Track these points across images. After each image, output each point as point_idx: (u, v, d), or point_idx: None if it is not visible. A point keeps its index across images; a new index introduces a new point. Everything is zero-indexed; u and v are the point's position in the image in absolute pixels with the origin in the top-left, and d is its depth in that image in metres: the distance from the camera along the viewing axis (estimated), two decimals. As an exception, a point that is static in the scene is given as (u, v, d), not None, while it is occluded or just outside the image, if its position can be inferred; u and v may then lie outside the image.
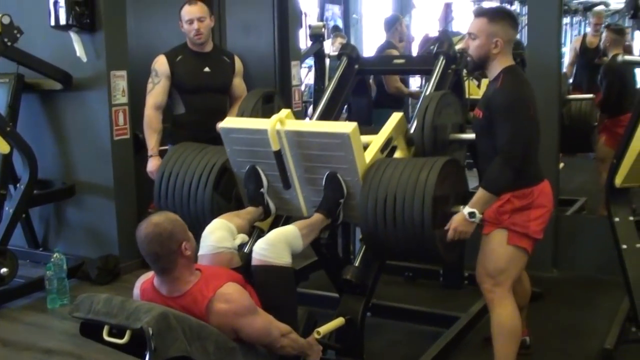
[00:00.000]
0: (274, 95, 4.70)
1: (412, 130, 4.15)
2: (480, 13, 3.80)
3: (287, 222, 4.09)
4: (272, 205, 3.98)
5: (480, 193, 3.60)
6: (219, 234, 3.55)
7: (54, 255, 5.34)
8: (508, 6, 12.68)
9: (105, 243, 6.16)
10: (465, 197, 3.73)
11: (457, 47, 5.00)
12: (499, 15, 3.75)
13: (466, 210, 3.57)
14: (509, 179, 3.56)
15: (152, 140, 5.10)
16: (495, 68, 3.71)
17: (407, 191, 3.49)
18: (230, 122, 4.03)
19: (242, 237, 3.63)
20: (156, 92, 5.05)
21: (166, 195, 4.15)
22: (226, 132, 3.93)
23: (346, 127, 3.61)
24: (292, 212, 4.05)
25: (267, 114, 4.28)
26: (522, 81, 3.72)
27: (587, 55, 8.83)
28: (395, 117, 4.08)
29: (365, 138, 3.78)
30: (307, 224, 3.67)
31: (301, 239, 3.55)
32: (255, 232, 3.95)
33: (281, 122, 3.69)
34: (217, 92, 5.16)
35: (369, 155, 3.81)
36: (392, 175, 3.59)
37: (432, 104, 4.06)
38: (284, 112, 3.85)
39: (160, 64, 5.07)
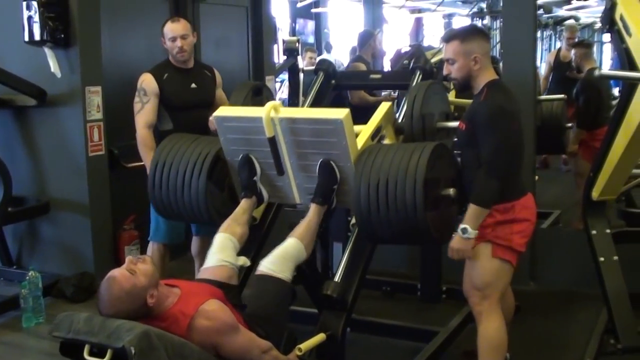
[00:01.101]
0: (262, 87, 4.78)
1: (400, 120, 4.24)
2: (450, 37, 3.86)
3: (279, 209, 4.24)
4: (265, 193, 4.01)
5: (470, 208, 3.64)
6: (226, 253, 3.64)
7: (30, 273, 5.27)
8: (479, 21, 12.81)
9: (81, 260, 6.10)
10: (454, 181, 3.76)
11: (433, 60, 5.03)
12: (469, 33, 3.84)
13: (459, 227, 3.62)
14: (495, 190, 3.60)
15: (149, 159, 5.05)
16: (480, 83, 3.76)
17: (399, 174, 3.52)
18: (224, 111, 4.06)
19: (243, 260, 3.72)
20: (146, 111, 5.01)
21: (160, 184, 4.16)
22: (220, 121, 3.97)
23: (339, 113, 3.66)
24: (285, 199, 4.09)
25: (256, 106, 4.32)
26: (506, 94, 3.76)
27: (561, 69, 8.96)
28: (384, 106, 4.15)
29: (355, 127, 3.81)
30: (306, 230, 3.72)
31: (304, 250, 3.67)
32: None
33: (275, 109, 3.74)
34: (204, 107, 5.14)
35: (360, 142, 3.86)
36: (384, 159, 3.62)
37: (420, 92, 4.14)
38: (275, 101, 3.90)
39: (148, 82, 5.02)
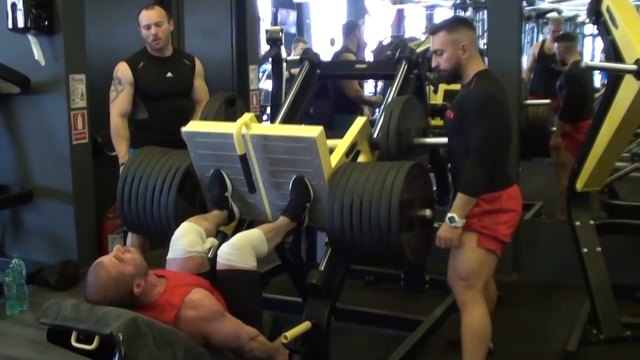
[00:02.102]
0: (236, 99, 4.67)
1: (375, 135, 4.17)
2: (437, 28, 3.87)
3: (251, 226, 4.06)
4: (236, 210, 3.94)
5: (458, 197, 3.65)
6: (190, 237, 3.52)
7: (13, 261, 5.25)
8: (462, 13, 12.83)
9: (64, 248, 6.09)
10: (430, 201, 3.76)
11: (417, 51, 5.04)
12: (455, 23, 3.87)
13: (447, 216, 3.64)
14: (482, 179, 3.61)
15: (122, 148, 5.03)
16: (469, 73, 3.77)
17: (374, 195, 3.49)
18: (194, 126, 3.98)
19: (211, 241, 3.62)
20: (121, 100, 5.00)
21: (129, 199, 4.07)
22: (190, 136, 3.90)
23: (312, 131, 3.59)
24: (257, 216, 4.02)
25: (230, 117, 4.28)
26: (495, 84, 3.77)
27: (545, 61, 9.00)
28: (360, 121, 4.07)
29: (329, 142, 3.76)
30: (272, 228, 3.65)
31: (266, 243, 3.54)
32: (219, 236, 3.91)
33: (247, 125, 3.66)
34: (180, 96, 5.13)
35: (335, 159, 3.80)
36: (358, 179, 3.58)
37: (397, 108, 4.08)
38: (248, 115, 3.80)
39: (123, 71, 5.01)
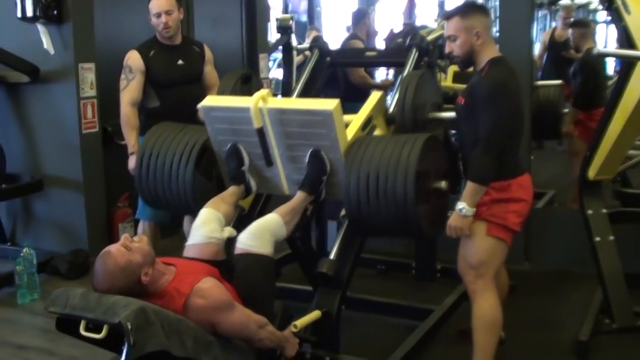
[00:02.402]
0: (251, 76, 4.70)
1: (390, 110, 4.18)
2: (451, 14, 3.83)
3: (268, 200, 4.16)
4: (253, 184, 3.97)
5: (468, 185, 3.62)
6: (211, 226, 3.57)
7: (24, 250, 5.26)
8: (476, -1, 12.73)
9: (75, 237, 6.10)
10: (445, 173, 3.76)
11: (429, 38, 5.00)
12: (469, 9, 3.81)
13: (457, 205, 3.61)
14: (491, 167, 3.58)
15: (131, 138, 5.01)
16: (483, 59, 3.73)
17: (390, 167, 3.50)
18: (211, 101, 4.01)
19: (229, 231, 3.63)
20: (131, 89, 4.98)
21: (147, 175, 4.11)
22: (207, 111, 3.91)
23: (329, 104, 3.61)
24: (274, 190, 4.05)
25: (245, 94, 4.27)
26: (508, 71, 3.72)
27: (555, 48, 8.91)
28: (375, 96, 4.10)
29: (345, 117, 3.77)
30: (290, 209, 3.67)
31: (284, 227, 3.58)
32: (236, 211, 3.94)
33: (263, 99, 3.69)
34: (191, 83, 5.11)
35: (350, 133, 3.82)
36: (375, 151, 3.59)
37: (412, 82, 4.08)
38: (264, 90, 3.81)
39: (134, 59, 4.99)
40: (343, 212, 3.80)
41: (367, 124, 3.99)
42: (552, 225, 5.86)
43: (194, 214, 3.89)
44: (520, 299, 4.87)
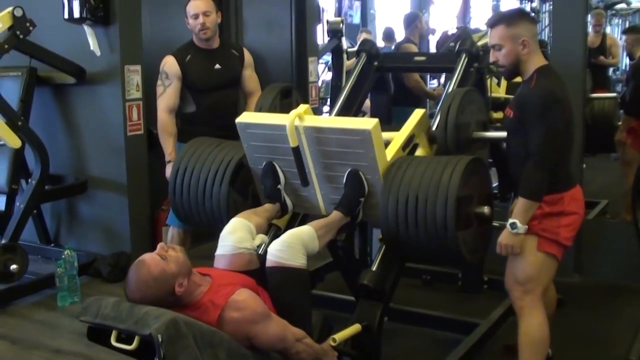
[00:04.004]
0: (291, 90, 4.60)
1: (434, 128, 4.05)
2: (495, 21, 3.68)
3: (304, 220, 4.01)
4: (289, 203, 3.87)
5: (520, 201, 3.51)
6: (240, 234, 3.46)
7: (65, 252, 5.25)
8: (528, 4, 12.58)
9: (118, 240, 6.08)
10: (489, 197, 3.63)
11: (479, 43, 4.89)
12: (515, 16, 3.68)
13: (509, 222, 3.50)
14: (544, 182, 3.46)
15: (169, 145, 4.97)
16: (529, 69, 3.60)
17: (430, 191, 3.38)
18: (248, 117, 3.92)
19: (261, 238, 3.55)
20: (168, 95, 4.94)
21: (181, 191, 4.04)
22: (244, 127, 3.83)
23: (367, 123, 3.51)
24: (310, 209, 3.95)
25: (285, 109, 4.19)
26: (557, 81, 3.59)
27: (589, 55, 8.76)
28: (418, 113, 3.96)
29: (386, 135, 3.68)
30: (324, 224, 3.56)
31: (317, 240, 3.44)
32: (271, 230, 3.84)
33: (300, 117, 3.60)
34: (228, 88, 5.07)
35: (390, 153, 3.71)
36: (414, 174, 3.47)
37: (456, 100, 3.93)
38: (303, 107, 3.72)
39: (170, 65, 4.94)
40: (380, 236, 3.69)
41: (409, 142, 3.86)
42: (604, 237, 5.72)
43: None
44: (569, 314, 4.74)
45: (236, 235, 3.47)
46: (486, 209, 3.52)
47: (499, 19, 3.68)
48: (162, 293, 2.95)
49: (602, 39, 9.07)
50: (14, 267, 5.41)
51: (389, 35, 11.44)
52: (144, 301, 2.91)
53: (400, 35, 9.19)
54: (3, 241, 5.53)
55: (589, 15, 8.74)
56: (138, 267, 2.99)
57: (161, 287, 2.95)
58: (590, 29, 9.26)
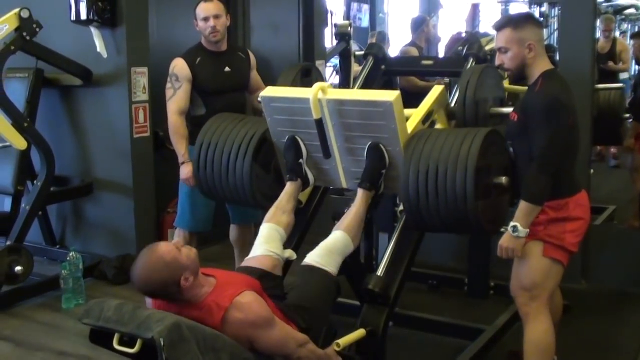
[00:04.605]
0: (312, 68, 4.70)
1: (453, 104, 4.11)
2: (502, 25, 3.67)
3: (325, 193, 4.17)
4: (311, 176, 3.96)
5: (521, 205, 3.50)
6: (274, 244, 3.63)
7: (70, 254, 5.25)
8: (537, 8, 12.56)
9: (123, 242, 6.07)
10: (507, 168, 3.63)
11: (487, 48, 4.88)
12: (522, 20, 3.67)
13: (510, 225, 3.50)
14: (546, 186, 3.45)
15: (181, 147, 4.94)
16: (535, 73, 3.59)
17: (450, 162, 3.41)
18: (272, 91, 3.99)
19: (290, 253, 3.70)
20: (179, 98, 4.92)
21: (205, 166, 4.12)
22: (268, 101, 3.90)
23: (389, 95, 3.56)
24: (331, 183, 4.03)
25: (306, 87, 4.22)
26: (563, 86, 3.57)
27: (598, 60, 8.74)
28: (437, 90, 4.04)
29: (405, 111, 3.71)
30: (354, 221, 3.66)
31: (352, 242, 3.62)
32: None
33: (323, 90, 3.65)
34: (237, 90, 5.07)
35: (411, 126, 3.77)
36: (435, 145, 3.51)
37: (474, 77, 4.01)
38: (325, 83, 3.80)
39: (181, 68, 4.92)
40: (401, 208, 3.73)
41: (428, 117, 3.92)
42: (611, 243, 5.68)
43: (251, 206, 4.00)
44: (575, 320, 4.69)
45: (270, 246, 3.61)
46: (504, 179, 3.54)
47: (506, 22, 3.66)
48: (168, 280, 2.94)
49: (612, 45, 9.05)
50: (19, 268, 5.39)
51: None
52: (148, 284, 2.95)
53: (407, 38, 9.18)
54: (8, 243, 5.52)
55: (599, 21, 8.74)
56: (152, 250, 3.01)
57: (169, 274, 2.94)
58: (599, 34, 9.25)
